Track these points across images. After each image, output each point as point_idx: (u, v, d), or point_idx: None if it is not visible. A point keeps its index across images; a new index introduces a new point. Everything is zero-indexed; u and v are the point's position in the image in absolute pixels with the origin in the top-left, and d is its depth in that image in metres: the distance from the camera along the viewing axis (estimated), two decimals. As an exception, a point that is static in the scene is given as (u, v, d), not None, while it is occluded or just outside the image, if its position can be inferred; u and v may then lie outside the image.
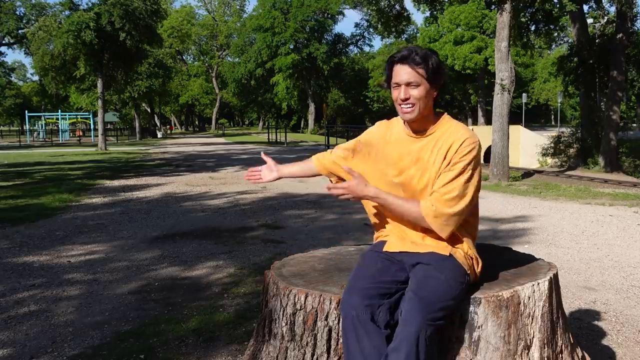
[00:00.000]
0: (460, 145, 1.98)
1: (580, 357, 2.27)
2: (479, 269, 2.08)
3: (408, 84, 1.97)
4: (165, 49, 46.70)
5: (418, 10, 46.29)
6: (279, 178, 2.41)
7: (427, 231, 2.07)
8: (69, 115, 47.71)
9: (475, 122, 44.35)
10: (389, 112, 49.16)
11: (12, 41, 42.48)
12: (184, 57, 68.55)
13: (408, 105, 1.98)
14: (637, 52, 16.72)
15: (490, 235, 6.05)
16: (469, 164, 1.97)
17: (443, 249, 2.01)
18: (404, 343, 1.73)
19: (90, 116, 45.01)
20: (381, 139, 2.17)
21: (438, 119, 2.08)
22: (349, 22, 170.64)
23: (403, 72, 1.97)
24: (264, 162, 2.46)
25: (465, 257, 2.02)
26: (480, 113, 42.47)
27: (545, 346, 2.04)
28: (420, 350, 1.73)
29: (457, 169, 1.97)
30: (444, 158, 1.99)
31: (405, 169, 2.08)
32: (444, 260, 1.96)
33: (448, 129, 2.05)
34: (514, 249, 2.70)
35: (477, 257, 2.08)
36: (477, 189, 2.02)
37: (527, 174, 14.15)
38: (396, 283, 1.94)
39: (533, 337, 2.01)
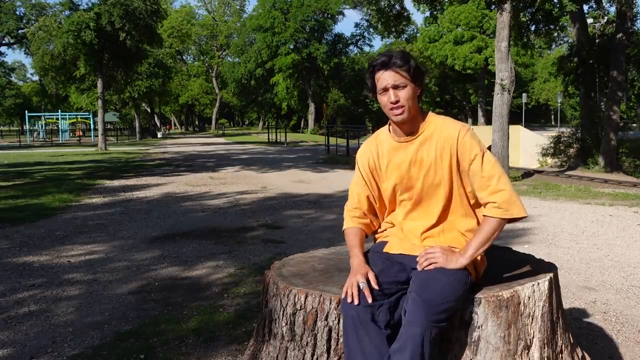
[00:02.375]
0: (458, 137, 2.03)
1: (580, 357, 2.27)
2: (481, 269, 2.08)
3: (395, 87, 2.00)
4: (165, 49, 46.70)
5: (418, 10, 46.30)
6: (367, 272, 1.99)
7: (428, 231, 2.09)
8: (69, 115, 47.72)
9: (475, 122, 44.36)
10: (389, 112, 49.02)
11: (12, 41, 42.45)
12: (184, 57, 68.56)
13: (399, 108, 2.01)
14: (637, 52, 16.70)
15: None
16: (478, 146, 2.03)
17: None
18: (409, 343, 1.73)
19: (90, 116, 45.03)
20: (375, 159, 2.18)
21: (424, 118, 2.12)
22: (349, 22, 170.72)
23: (388, 77, 2.01)
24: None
25: (466, 257, 2.02)
26: (480, 113, 42.48)
27: (545, 346, 2.04)
28: (425, 352, 1.73)
29: (477, 158, 2.02)
30: (455, 153, 2.04)
31: (405, 174, 2.11)
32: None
33: (437, 125, 2.09)
34: (514, 249, 2.70)
35: (479, 258, 2.09)
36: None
37: (527, 174, 14.14)
38: (397, 284, 1.94)
39: (533, 337, 2.01)
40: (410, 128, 2.09)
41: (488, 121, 33.03)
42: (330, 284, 2.12)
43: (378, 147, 2.18)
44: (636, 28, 16.91)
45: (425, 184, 2.08)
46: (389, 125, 2.17)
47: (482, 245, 1.98)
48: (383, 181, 2.17)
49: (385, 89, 2.01)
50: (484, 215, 2.03)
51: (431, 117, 2.12)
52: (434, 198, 2.10)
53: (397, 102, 2.00)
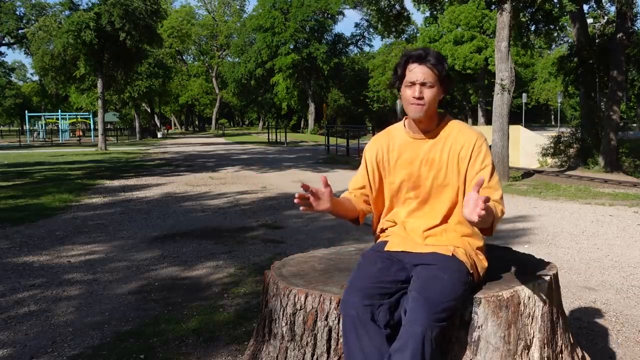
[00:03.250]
0: (475, 144, 2.06)
1: (580, 357, 2.27)
2: (482, 271, 2.08)
3: (423, 84, 2.01)
4: (165, 49, 46.68)
5: (418, 10, 46.31)
6: (330, 211, 2.04)
7: (429, 231, 2.09)
8: (69, 115, 47.70)
9: (475, 122, 44.35)
10: (389, 112, 49.12)
11: (12, 41, 42.46)
12: (184, 57, 68.54)
13: (419, 104, 2.02)
14: (637, 52, 16.70)
15: (490, 235, 6.03)
16: (491, 159, 2.08)
17: (445, 249, 2.01)
18: (410, 342, 1.73)
19: (90, 116, 45.02)
20: (384, 151, 2.19)
21: (441, 119, 2.14)
22: (349, 22, 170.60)
23: (419, 72, 2.01)
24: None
25: (467, 256, 2.02)
26: (480, 113, 42.47)
27: (545, 346, 2.04)
28: (426, 351, 1.73)
29: (487, 168, 2.05)
30: (467, 157, 2.06)
31: (415, 171, 2.12)
32: (447, 260, 1.97)
33: (453, 129, 2.12)
34: (514, 249, 2.70)
35: (480, 259, 2.09)
36: None
37: (527, 174, 14.14)
38: (397, 283, 1.94)
39: (533, 337, 2.01)
40: (425, 126, 2.11)
41: (488, 121, 33.03)
42: (330, 284, 2.12)
43: (390, 140, 2.19)
44: (636, 28, 16.91)
45: (435, 184, 2.09)
46: (405, 120, 2.18)
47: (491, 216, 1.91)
48: (389, 175, 2.17)
49: (413, 83, 2.02)
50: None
51: (449, 120, 2.15)
52: (440, 198, 2.10)
53: (420, 98, 2.01)
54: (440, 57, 2.03)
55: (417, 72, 2.01)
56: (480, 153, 2.06)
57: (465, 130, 2.11)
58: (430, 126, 2.11)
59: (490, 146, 12.33)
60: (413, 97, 2.02)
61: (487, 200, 1.70)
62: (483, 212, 1.68)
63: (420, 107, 2.02)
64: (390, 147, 2.18)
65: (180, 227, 6.63)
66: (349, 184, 2.30)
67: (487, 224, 1.89)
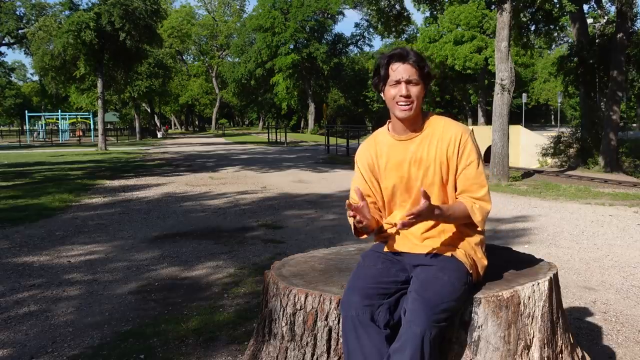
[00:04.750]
0: (460, 139, 2.05)
1: (580, 357, 2.27)
2: (481, 270, 2.08)
3: (408, 82, 2.00)
4: (165, 49, 46.65)
5: (418, 10, 46.30)
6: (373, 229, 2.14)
7: (428, 232, 2.09)
8: (69, 115, 47.73)
9: (475, 122, 44.36)
10: (389, 112, 49.03)
11: (12, 41, 42.44)
12: (184, 57, 68.52)
13: (408, 103, 2.01)
14: (637, 52, 16.70)
15: (490, 235, 6.04)
16: (476, 154, 2.06)
17: (444, 249, 2.01)
18: (409, 343, 1.74)
19: (90, 116, 45.04)
20: (374, 158, 2.17)
21: (425, 117, 2.13)
22: (349, 22, 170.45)
23: (403, 70, 2.01)
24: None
25: (467, 257, 2.02)
26: (480, 113, 42.48)
27: (545, 346, 2.04)
28: (425, 352, 1.73)
29: (472, 164, 2.05)
30: (455, 154, 2.05)
31: (405, 174, 2.10)
32: (447, 261, 1.96)
33: (438, 126, 2.10)
34: (514, 249, 2.70)
35: (480, 257, 2.09)
36: None
37: (527, 174, 14.14)
38: (396, 283, 1.94)
39: (533, 337, 2.01)
40: (411, 125, 2.09)
41: (488, 121, 33.03)
42: (330, 284, 2.12)
43: (377, 146, 2.17)
44: (636, 28, 16.91)
45: (425, 183, 2.07)
46: (388, 123, 2.16)
47: (449, 216, 1.98)
48: (383, 180, 2.16)
49: (398, 82, 2.01)
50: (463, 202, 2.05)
51: (433, 117, 2.13)
52: (432, 198, 2.09)
53: (408, 96, 2.00)
54: (420, 55, 2.05)
55: (400, 70, 2.01)
56: (466, 149, 2.05)
57: (450, 126, 2.09)
58: (416, 125, 2.09)
59: (489, 147, 12.38)
60: (400, 96, 2.01)
61: (409, 216, 1.84)
62: (402, 227, 1.85)
63: (410, 106, 2.01)
64: (378, 152, 2.16)
65: (180, 227, 6.63)
66: (350, 195, 2.27)
67: (449, 220, 2.01)
